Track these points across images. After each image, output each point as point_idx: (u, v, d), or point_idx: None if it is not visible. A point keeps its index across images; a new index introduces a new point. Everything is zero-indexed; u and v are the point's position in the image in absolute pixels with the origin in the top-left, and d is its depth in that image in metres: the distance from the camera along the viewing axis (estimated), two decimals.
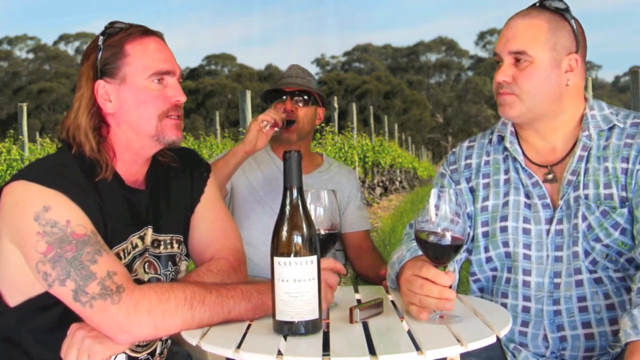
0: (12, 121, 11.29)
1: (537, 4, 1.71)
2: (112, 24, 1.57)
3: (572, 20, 1.68)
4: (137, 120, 1.55)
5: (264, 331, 1.38)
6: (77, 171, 1.50)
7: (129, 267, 1.54)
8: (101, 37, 1.55)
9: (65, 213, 1.42)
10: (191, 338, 1.36)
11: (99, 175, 1.51)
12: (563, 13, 1.68)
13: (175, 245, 1.67)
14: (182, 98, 1.58)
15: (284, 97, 2.46)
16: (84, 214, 1.44)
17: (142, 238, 1.59)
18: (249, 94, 7.69)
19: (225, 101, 65.12)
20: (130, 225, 1.57)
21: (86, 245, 1.41)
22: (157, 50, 1.56)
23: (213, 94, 67.90)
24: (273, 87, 2.53)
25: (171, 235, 1.66)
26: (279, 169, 2.52)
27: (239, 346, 1.29)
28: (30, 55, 77.38)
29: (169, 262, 1.65)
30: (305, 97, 2.48)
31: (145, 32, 1.57)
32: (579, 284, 1.66)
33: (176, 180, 1.70)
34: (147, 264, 1.60)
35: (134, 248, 1.57)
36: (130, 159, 1.59)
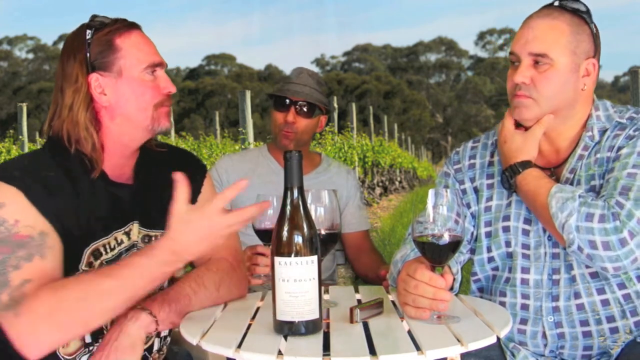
0: (12, 121, 11.27)
1: (557, 4, 1.67)
2: (93, 18, 1.58)
3: (592, 24, 1.66)
4: (134, 111, 1.56)
5: (264, 331, 1.38)
6: (48, 169, 1.49)
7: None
8: (88, 31, 1.54)
9: (17, 212, 1.41)
10: (191, 337, 1.36)
11: (91, 174, 1.51)
12: (584, 16, 1.65)
13: None
14: (173, 89, 1.61)
15: (287, 101, 2.46)
16: (40, 215, 1.42)
17: (127, 234, 1.59)
18: (248, 94, 7.69)
19: (225, 101, 65.09)
20: (113, 220, 1.56)
21: (21, 248, 1.38)
22: (144, 43, 1.59)
23: (213, 94, 67.89)
24: (278, 91, 2.50)
25: (163, 231, 1.64)
26: (274, 172, 2.52)
27: (239, 346, 1.29)
28: (30, 55, 77.53)
29: None
30: (310, 106, 2.46)
31: (130, 25, 1.59)
32: (574, 279, 1.67)
33: (172, 180, 1.68)
34: None
35: (119, 244, 1.56)
36: (119, 151, 1.59)
